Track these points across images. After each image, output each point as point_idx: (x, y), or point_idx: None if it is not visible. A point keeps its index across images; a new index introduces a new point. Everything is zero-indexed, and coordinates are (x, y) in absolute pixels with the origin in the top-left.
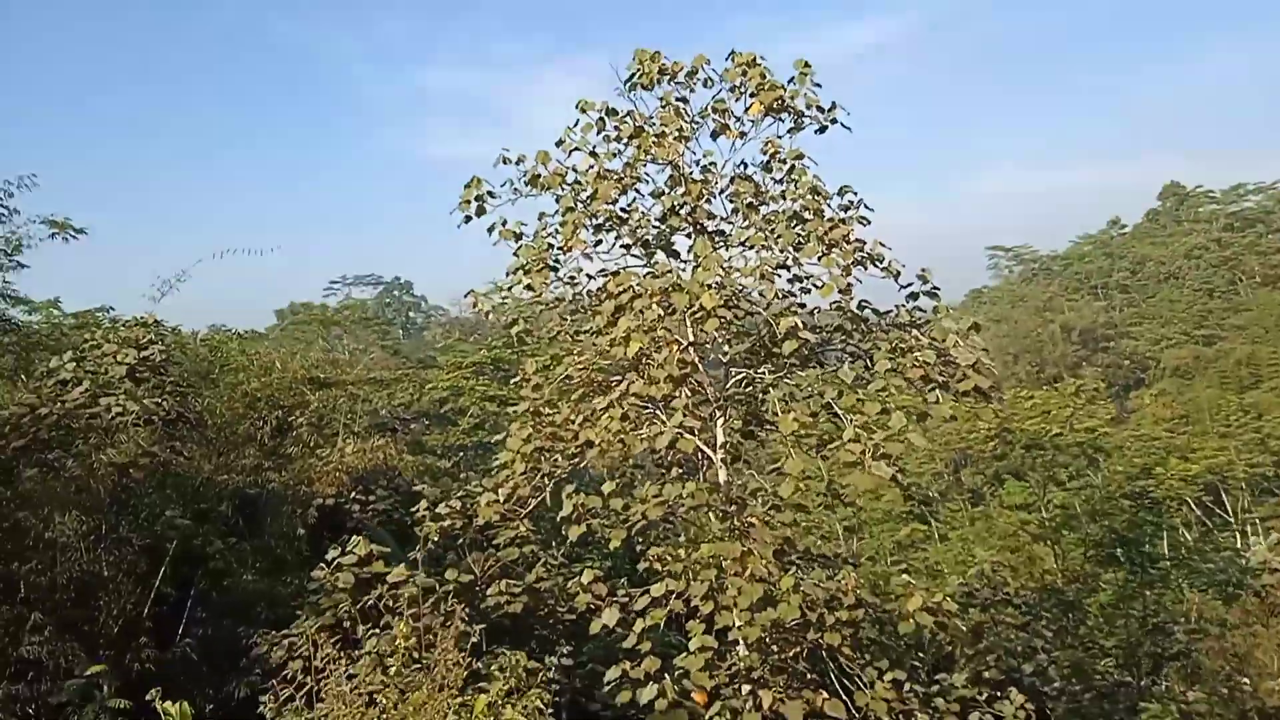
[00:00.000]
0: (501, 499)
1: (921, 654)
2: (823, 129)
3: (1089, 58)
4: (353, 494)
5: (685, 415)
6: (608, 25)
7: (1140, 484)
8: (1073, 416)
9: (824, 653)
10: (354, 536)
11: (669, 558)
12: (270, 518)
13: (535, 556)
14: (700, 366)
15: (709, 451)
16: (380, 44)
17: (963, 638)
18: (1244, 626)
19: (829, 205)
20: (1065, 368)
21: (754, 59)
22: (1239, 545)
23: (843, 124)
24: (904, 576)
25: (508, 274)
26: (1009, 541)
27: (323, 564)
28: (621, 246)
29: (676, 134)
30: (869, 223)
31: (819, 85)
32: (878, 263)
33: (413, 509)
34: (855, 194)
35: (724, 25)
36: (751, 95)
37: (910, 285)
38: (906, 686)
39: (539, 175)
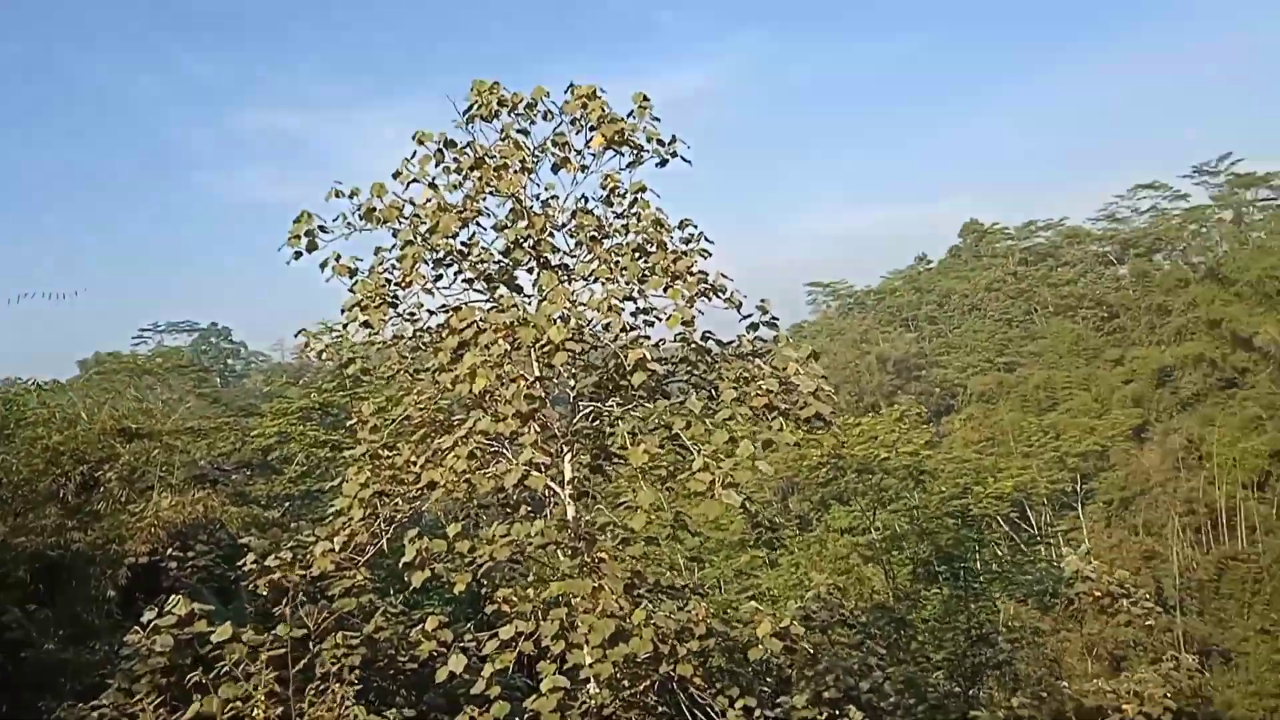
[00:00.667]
0: (337, 547)
1: (769, 679)
2: (663, 162)
3: (892, 106)
4: (170, 551)
5: (534, 451)
6: (430, 70)
7: (959, 503)
8: (898, 441)
9: (675, 684)
10: (173, 596)
11: (517, 598)
12: (75, 581)
13: (373, 606)
14: (547, 402)
15: (556, 488)
16: (187, 85)
17: (805, 660)
18: (1057, 633)
19: (671, 238)
20: (882, 396)
21: (594, 91)
22: (1052, 557)
23: (683, 157)
24: (752, 604)
25: (343, 311)
26: (839, 564)
27: (138, 627)
28: (463, 281)
29: (519, 166)
30: (710, 255)
31: (658, 119)
32: (720, 294)
33: (238, 563)
34: (696, 227)
35: (545, 74)
36: (592, 129)
37: (750, 316)
38: (757, 712)
39: (374, 209)
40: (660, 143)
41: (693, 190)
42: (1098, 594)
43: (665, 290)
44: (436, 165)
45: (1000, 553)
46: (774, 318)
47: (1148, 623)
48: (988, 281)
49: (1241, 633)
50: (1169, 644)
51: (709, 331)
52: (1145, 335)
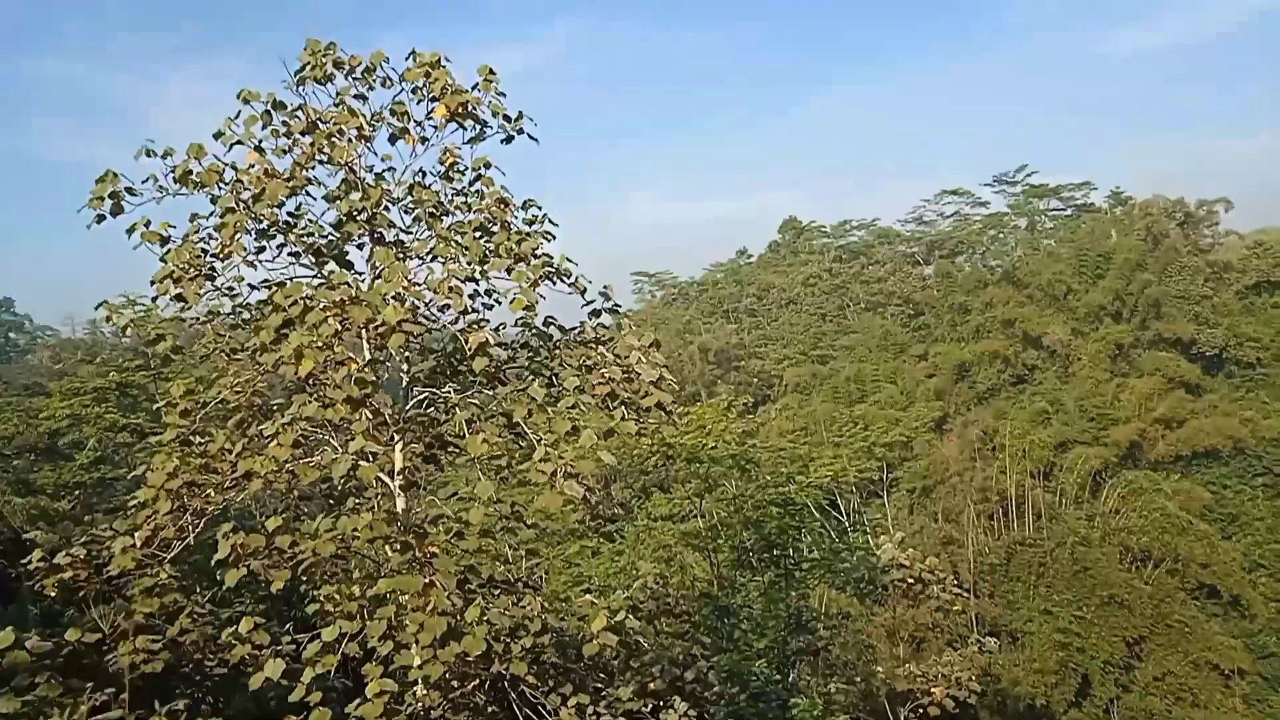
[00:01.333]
0: (139, 543)
1: (601, 673)
2: (509, 139)
3: (724, 100)
4: None
5: (366, 440)
6: (250, 26)
7: (781, 491)
8: (725, 430)
9: (507, 683)
10: None
11: (341, 597)
12: None
13: (178, 606)
14: (380, 386)
15: (386, 479)
16: None
17: (631, 651)
18: (869, 619)
19: (515, 218)
20: (703, 386)
21: (438, 60)
22: (865, 544)
23: (529, 135)
24: (588, 597)
25: (153, 283)
26: (663, 552)
27: None
28: (289, 255)
29: (354, 134)
30: (554, 237)
31: (503, 94)
32: (566, 278)
33: (23, 560)
34: (540, 208)
35: (371, 47)
36: (434, 99)
37: (594, 302)
38: (589, 709)
39: (191, 171)
40: (506, 118)
41: (519, 177)
42: (910, 580)
43: (509, 272)
44: (264, 128)
45: (820, 540)
46: (617, 305)
47: (954, 607)
48: (805, 277)
49: (1027, 613)
50: (964, 626)
51: (551, 317)
52: (947, 332)
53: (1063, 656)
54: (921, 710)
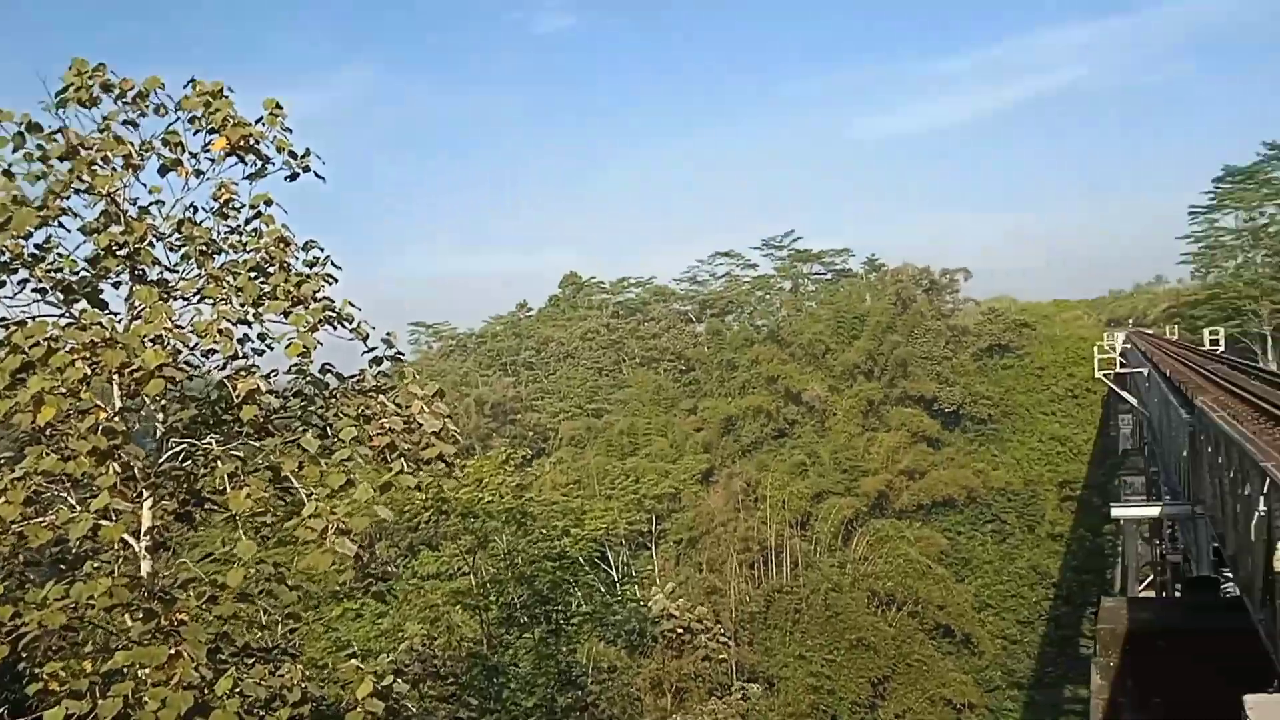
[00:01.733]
0: None
1: None
2: (293, 176)
3: (506, 155)
4: None
5: (112, 496)
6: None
7: (556, 545)
8: (502, 484)
9: None
10: None
11: (70, 674)
12: None
13: None
14: (131, 437)
15: (130, 539)
16: None
17: (403, 718)
18: (636, 671)
19: (295, 259)
20: (478, 439)
21: (220, 89)
22: (635, 596)
23: (316, 173)
24: (352, 662)
25: None
26: (430, 613)
27: None
28: (33, 291)
29: (121, 163)
30: (336, 280)
31: (290, 130)
32: (347, 323)
33: None
34: (322, 249)
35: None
36: (213, 131)
37: (375, 349)
38: None
39: None
40: (292, 154)
41: (299, 220)
42: (680, 630)
43: (286, 315)
44: (14, 151)
45: (591, 594)
46: (399, 353)
47: (720, 657)
48: (583, 331)
49: (783, 659)
50: (724, 674)
51: (328, 364)
52: (716, 387)
53: (814, 699)
54: None
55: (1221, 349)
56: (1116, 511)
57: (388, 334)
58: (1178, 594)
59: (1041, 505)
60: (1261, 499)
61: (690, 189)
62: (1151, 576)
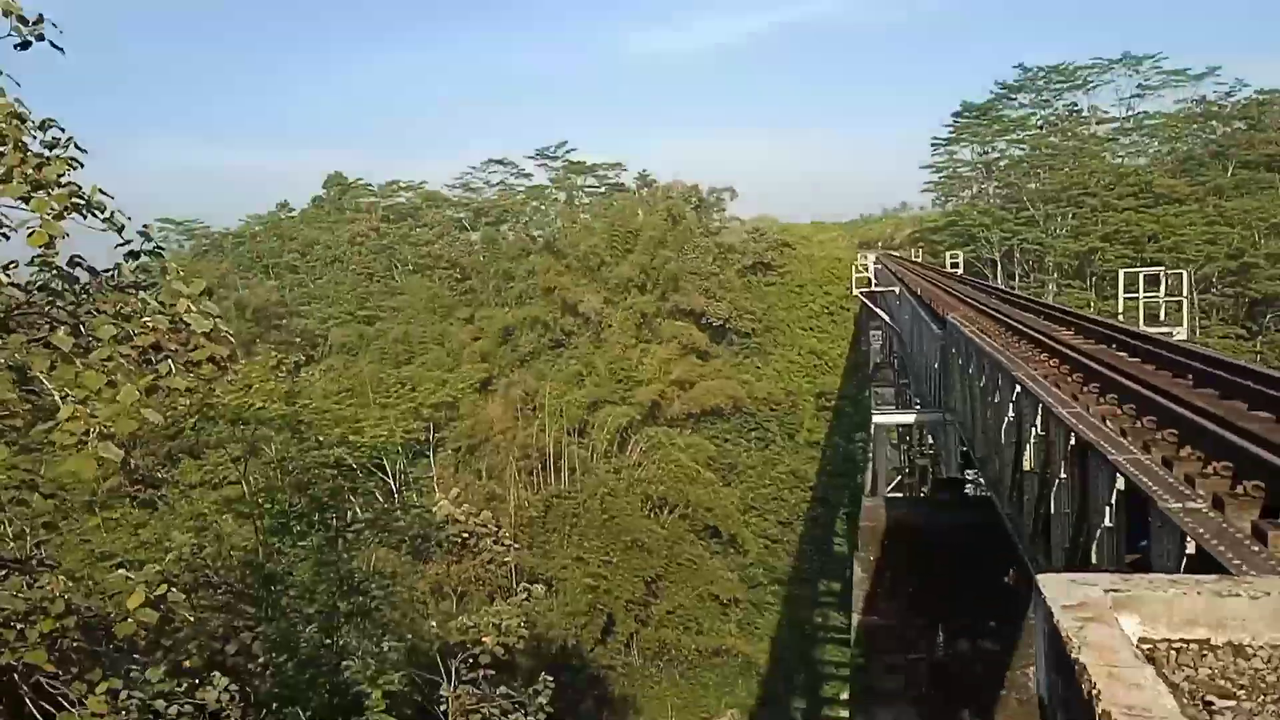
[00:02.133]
0: None
1: (135, 655)
2: (25, 44)
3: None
4: None
5: None
6: None
7: (334, 452)
8: (274, 391)
9: (19, 675)
10: None
11: None
12: None
13: None
14: None
15: None
16: None
17: (160, 629)
18: (421, 575)
19: (33, 139)
20: (241, 344)
21: None
22: (418, 503)
23: (53, 43)
24: (121, 571)
25: None
26: (197, 522)
27: None
28: None
29: None
30: (82, 165)
31: None
32: (99, 212)
33: None
34: (63, 129)
35: None
36: None
37: (131, 242)
38: (123, 694)
39: None
40: (22, 20)
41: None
42: (465, 535)
43: (26, 201)
44: None
45: (371, 501)
46: (159, 247)
47: (506, 559)
48: (351, 235)
49: (562, 561)
50: (504, 577)
51: (78, 256)
52: (492, 297)
53: (592, 599)
54: (473, 660)
55: (960, 271)
56: (878, 419)
57: (145, 226)
58: (924, 493)
59: (800, 415)
60: (1011, 405)
61: (462, 94)
62: (899, 478)
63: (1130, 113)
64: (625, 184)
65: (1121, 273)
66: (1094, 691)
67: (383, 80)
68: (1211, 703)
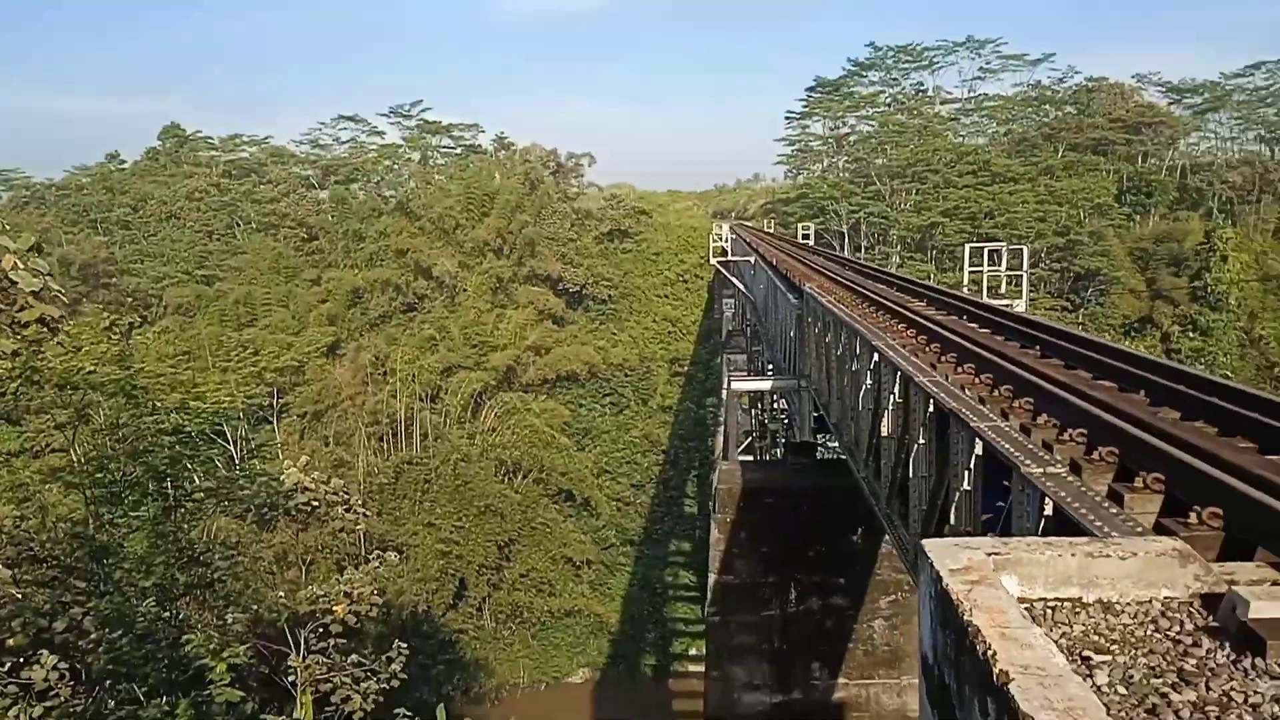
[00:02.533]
0: None
1: None
2: None
3: None
4: None
5: None
6: None
7: (174, 419)
8: (106, 353)
9: None
10: None
11: None
12: None
13: None
14: None
15: None
16: None
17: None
18: (269, 545)
19: None
20: (64, 305)
21: None
22: (263, 470)
23: None
24: None
25: None
26: (18, 492)
27: None
28: None
29: None
30: None
31: None
32: None
33: None
34: None
35: None
36: None
37: None
38: None
39: None
40: None
41: None
42: (315, 503)
43: None
44: None
45: (213, 469)
46: None
47: (358, 527)
48: (189, 190)
49: (413, 527)
50: (352, 545)
51: None
52: (341, 258)
53: (443, 564)
54: (323, 629)
55: (812, 242)
56: (736, 385)
57: None
58: (776, 456)
59: (654, 380)
60: (869, 373)
61: (312, 47)
62: (749, 440)
63: (972, 94)
64: (482, 146)
65: (967, 247)
66: (989, 652)
67: (230, 29)
68: (1089, 658)
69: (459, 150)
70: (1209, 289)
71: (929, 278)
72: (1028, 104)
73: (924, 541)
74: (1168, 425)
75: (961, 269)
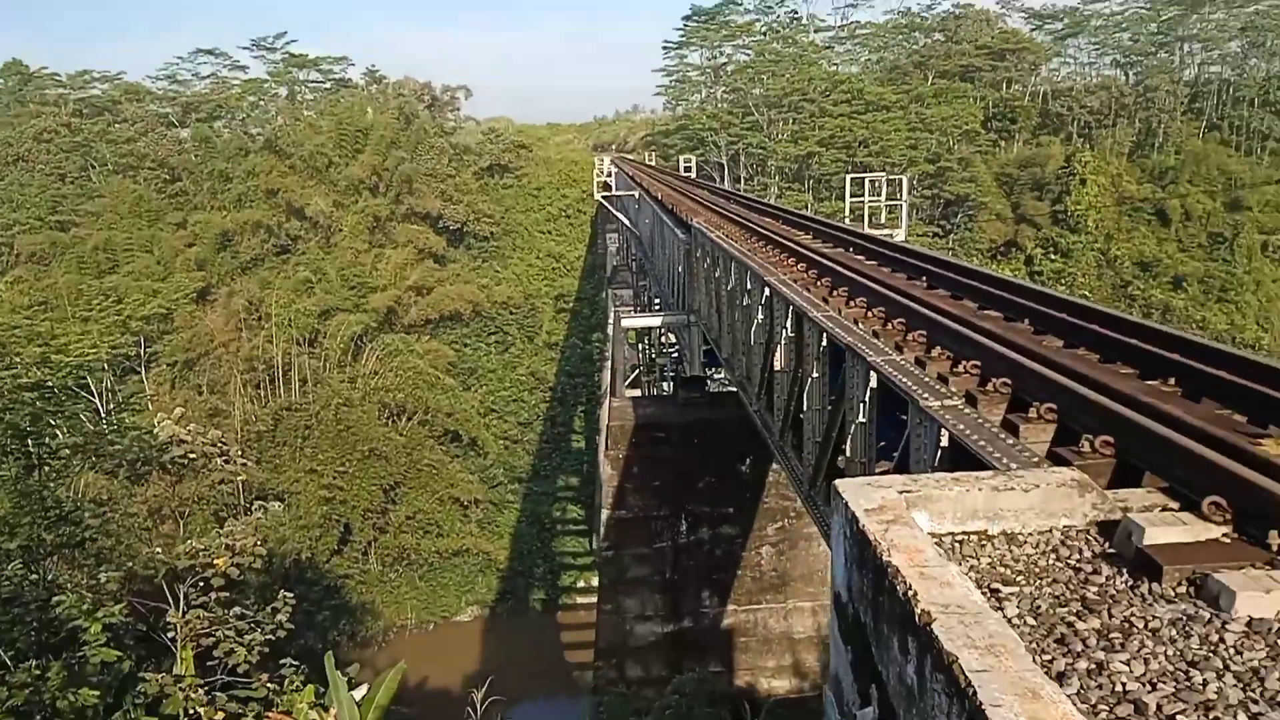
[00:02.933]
0: None
1: None
2: None
3: None
4: None
5: None
6: None
7: (30, 374)
8: None
9: None
10: None
11: None
12: None
13: None
14: None
15: None
16: None
17: None
18: (144, 500)
19: None
20: None
21: None
22: (135, 423)
23: None
24: None
25: None
26: None
27: None
28: None
29: None
30: None
31: None
32: None
33: None
34: None
35: None
36: None
37: None
38: None
39: None
40: None
41: None
42: (193, 455)
43: None
44: None
45: (79, 424)
46: None
47: (240, 477)
48: (36, 131)
49: (294, 475)
50: (230, 495)
51: None
52: (208, 200)
53: (327, 510)
54: (204, 583)
55: (694, 174)
56: (627, 322)
57: None
58: (665, 391)
59: (540, 317)
60: (761, 308)
61: None
62: (635, 374)
63: (845, 21)
64: (353, 80)
65: (847, 178)
66: (910, 592)
67: None
68: (998, 590)
69: (328, 85)
70: (1069, 212)
71: (807, 207)
72: (898, 31)
73: (837, 482)
74: (1054, 354)
75: (839, 198)
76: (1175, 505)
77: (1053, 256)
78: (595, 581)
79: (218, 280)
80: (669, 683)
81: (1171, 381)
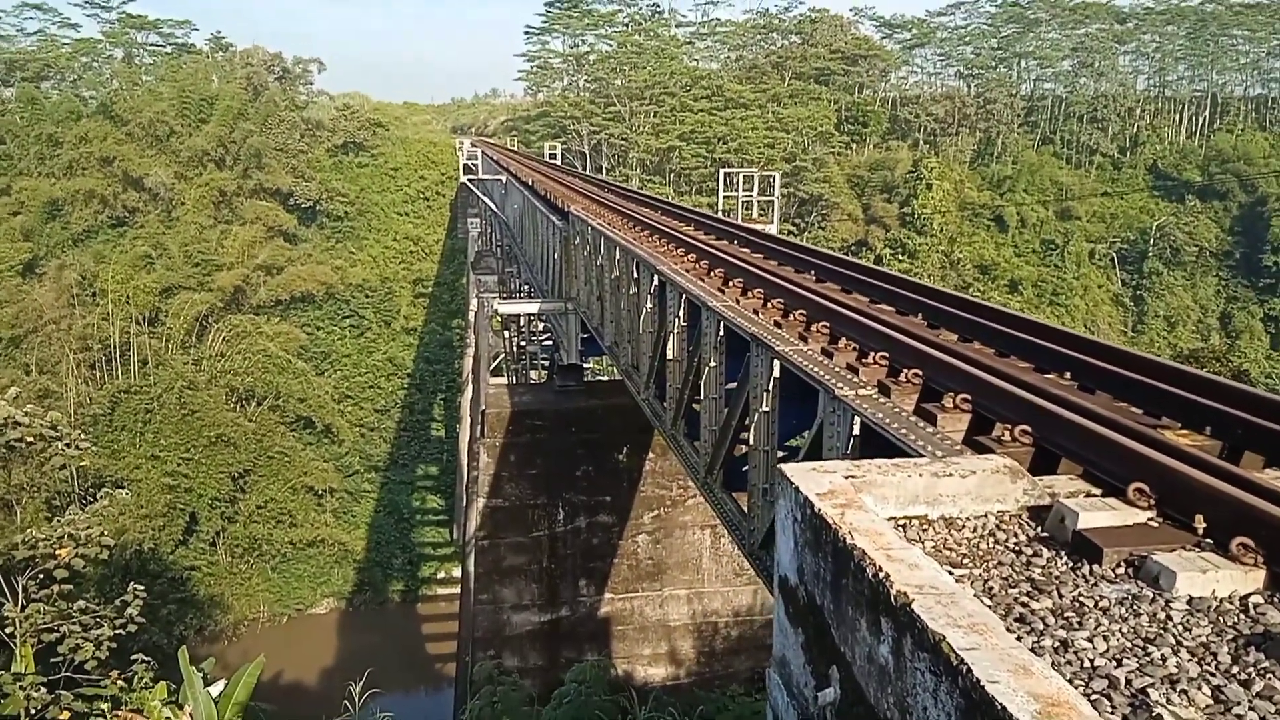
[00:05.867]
0: None
1: None
2: None
3: None
4: None
5: None
6: None
7: None
8: None
9: None
10: None
11: None
12: None
13: None
14: None
15: None
16: None
17: None
18: None
19: None
20: None
21: None
22: None
23: None
24: None
25: None
26: None
27: None
28: None
29: None
30: None
31: None
32: None
33: None
34: None
35: None
36: None
37: None
38: None
39: None
40: None
41: None
42: (30, 439)
43: None
44: None
45: None
46: None
47: (81, 464)
48: None
49: (134, 461)
50: (63, 481)
51: None
52: (35, 165)
53: (171, 499)
54: (45, 575)
55: (559, 162)
56: (503, 308)
57: None
58: (533, 379)
59: (397, 301)
60: (650, 297)
61: None
62: (498, 363)
63: (705, 18)
64: (196, 46)
65: (722, 172)
66: (882, 574)
67: None
68: (951, 571)
69: (169, 49)
70: (915, 215)
71: None
72: (756, 30)
73: (783, 466)
74: (956, 347)
75: (699, 193)
76: (1098, 491)
77: (900, 257)
78: (457, 572)
79: (46, 252)
80: (547, 672)
81: (1067, 376)
